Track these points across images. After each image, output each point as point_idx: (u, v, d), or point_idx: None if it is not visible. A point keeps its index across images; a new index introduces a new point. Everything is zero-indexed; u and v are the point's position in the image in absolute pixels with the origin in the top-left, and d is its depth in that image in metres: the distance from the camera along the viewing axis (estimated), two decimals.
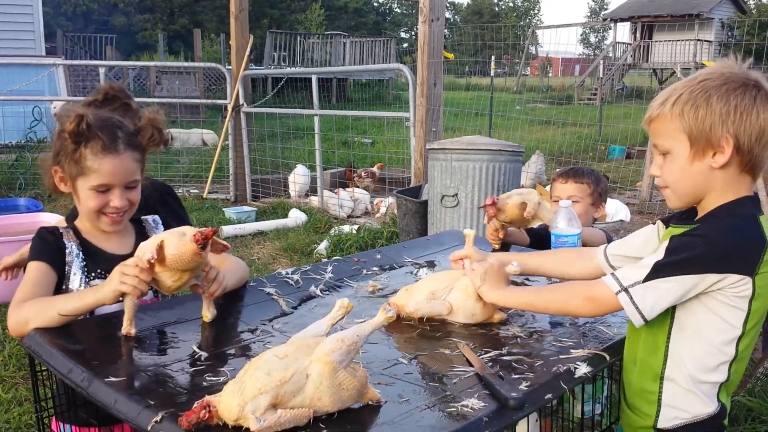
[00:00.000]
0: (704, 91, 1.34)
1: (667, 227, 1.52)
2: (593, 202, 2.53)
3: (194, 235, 1.49)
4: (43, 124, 8.28)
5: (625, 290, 1.37)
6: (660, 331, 1.42)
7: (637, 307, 1.36)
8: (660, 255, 1.36)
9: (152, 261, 1.49)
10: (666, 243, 1.37)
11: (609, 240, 2.36)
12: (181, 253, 1.50)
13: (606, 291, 1.40)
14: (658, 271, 1.34)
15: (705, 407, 1.40)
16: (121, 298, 1.54)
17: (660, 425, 1.42)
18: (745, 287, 1.32)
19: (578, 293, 1.48)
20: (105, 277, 1.62)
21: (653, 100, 1.43)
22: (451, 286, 1.68)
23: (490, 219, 2.13)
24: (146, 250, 1.51)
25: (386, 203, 6.88)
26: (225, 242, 1.64)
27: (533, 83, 22.30)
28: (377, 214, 6.99)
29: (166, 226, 1.88)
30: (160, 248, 1.50)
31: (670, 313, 1.40)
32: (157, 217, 1.93)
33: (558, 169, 2.72)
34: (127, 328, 1.54)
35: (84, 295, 1.58)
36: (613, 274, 1.41)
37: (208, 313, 1.65)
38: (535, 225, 2.18)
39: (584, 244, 2.10)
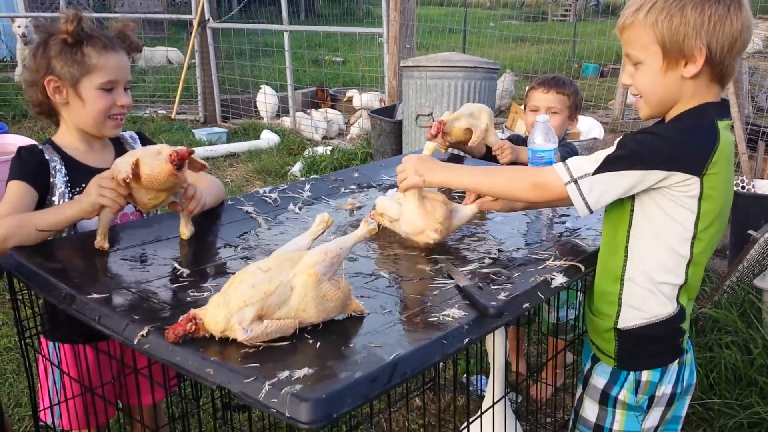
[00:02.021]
0: (678, 0, 1.32)
1: None
2: (570, 114, 2.50)
3: (170, 155, 1.47)
4: (1, 41, 7.89)
5: (575, 181, 1.38)
6: (619, 232, 1.45)
7: (584, 198, 1.38)
8: (612, 149, 1.38)
9: (127, 180, 1.47)
10: (619, 138, 1.39)
11: (570, 156, 2.37)
12: (157, 173, 1.48)
13: (555, 179, 1.41)
14: (608, 164, 1.36)
15: (663, 307, 1.44)
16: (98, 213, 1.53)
17: (620, 325, 1.47)
18: (692, 186, 1.34)
19: (526, 178, 1.47)
20: None
21: (626, 5, 1.40)
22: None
23: (431, 139, 2.08)
24: (121, 168, 1.49)
25: (359, 124, 6.81)
26: (202, 161, 1.62)
27: None
28: (348, 135, 6.93)
29: (143, 143, 1.86)
30: (136, 166, 1.47)
31: (628, 213, 1.42)
32: (134, 133, 1.90)
33: (537, 78, 2.64)
34: (101, 242, 1.54)
35: (62, 210, 1.57)
36: (564, 163, 1.42)
37: (185, 230, 1.65)
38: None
39: None
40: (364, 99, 7.60)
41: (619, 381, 1.50)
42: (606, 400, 1.51)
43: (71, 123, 1.73)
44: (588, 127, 5.25)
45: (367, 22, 14.87)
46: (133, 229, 1.68)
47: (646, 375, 1.48)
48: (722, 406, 2.41)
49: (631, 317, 1.46)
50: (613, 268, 1.47)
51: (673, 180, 1.34)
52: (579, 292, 2.38)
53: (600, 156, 1.38)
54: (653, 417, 1.52)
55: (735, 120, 4.08)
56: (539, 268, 1.48)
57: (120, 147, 1.82)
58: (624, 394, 1.49)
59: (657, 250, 1.41)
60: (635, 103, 1.49)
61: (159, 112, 7.90)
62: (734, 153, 1.43)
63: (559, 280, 1.43)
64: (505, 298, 1.32)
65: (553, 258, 1.53)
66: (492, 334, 1.68)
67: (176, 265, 1.49)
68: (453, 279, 1.41)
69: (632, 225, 1.43)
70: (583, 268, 1.51)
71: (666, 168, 1.33)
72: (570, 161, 1.42)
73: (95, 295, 1.29)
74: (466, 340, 1.20)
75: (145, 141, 1.89)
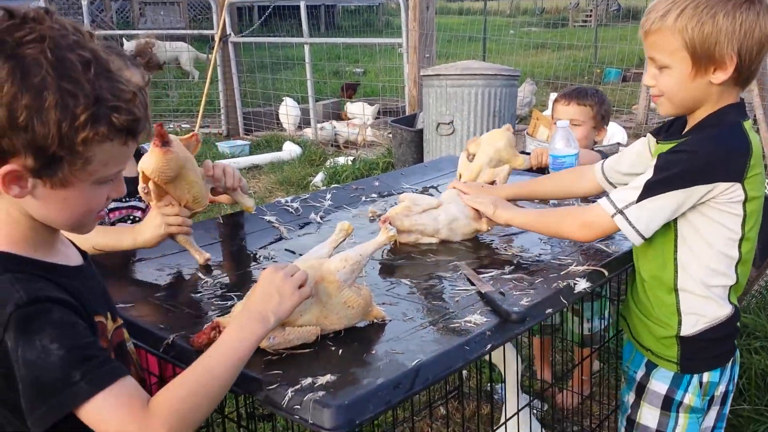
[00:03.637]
0: (709, 7, 1.31)
1: (656, 140, 1.54)
2: (596, 125, 2.47)
3: (153, 142, 1.45)
4: None
5: (621, 212, 1.40)
6: (666, 246, 1.46)
7: (633, 227, 1.39)
8: (650, 174, 1.39)
9: (146, 191, 1.49)
10: (654, 161, 1.40)
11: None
12: (156, 165, 1.45)
13: (602, 214, 1.43)
14: (650, 189, 1.38)
15: (721, 309, 1.46)
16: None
17: (683, 333, 1.47)
18: (736, 193, 1.36)
19: (574, 218, 1.52)
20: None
21: (650, 9, 1.39)
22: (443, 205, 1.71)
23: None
24: (139, 189, 1.51)
25: (369, 132, 6.87)
26: (192, 132, 1.60)
27: (527, 6, 21.75)
28: (359, 143, 6.95)
29: None
30: (144, 176, 1.48)
31: (672, 227, 1.43)
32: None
33: (561, 91, 2.64)
34: (202, 257, 1.56)
35: (122, 236, 1.54)
36: (607, 197, 1.44)
37: (247, 202, 1.69)
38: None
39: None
40: (354, 109, 7.64)
41: (682, 385, 1.50)
42: (669, 405, 1.51)
43: None
44: (611, 132, 5.19)
45: (387, 32, 14.94)
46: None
47: (707, 376, 1.49)
48: (752, 413, 2.36)
49: (693, 323, 1.47)
50: (666, 280, 1.47)
51: (718, 191, 1.35)
52: (609, 302, 2.36)
53: (639, 182, 1.39)
54: (710, 417, 1.54)
55: (761, 122, 4.02)
56: (562, 273, 1.47)
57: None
58: (689, 398, 1.50)
59: (707, 257, 1.43)
60: (655, 101, 1.48)
61: (183, 126, 8.00)
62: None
63: (582, 285, 1.42)
64: (527, 303, 1.31)
65: (576, 263, 1.52)
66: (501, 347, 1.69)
67: (200, 274, 1.51)
68: (474, 285, 1.40)
69: (678, 237, 1.44)
70: (606, 273, 1.50)
71: (708, 181, 1.34)
72: (612, 193, 1.45)
73: (121, 305, 1.31)
74: (489, 346, 1.19)
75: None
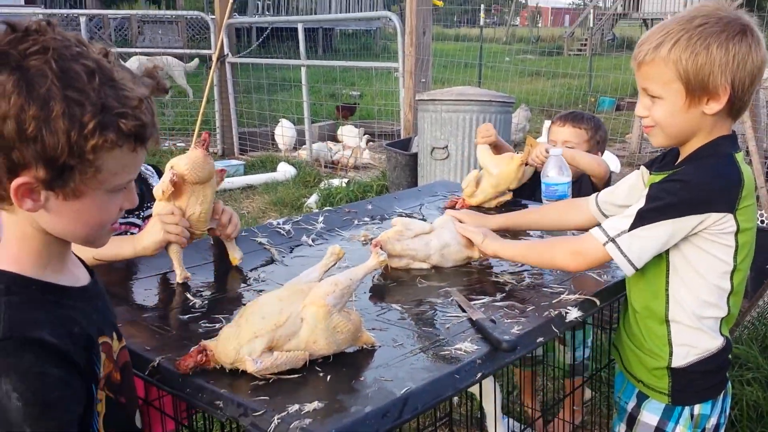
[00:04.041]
0: (703, 38, 1.32)
1: (650, 172, 1.54)
2: (590, 149, 2.45)
3: (195, 144, 1.54)
4: None
5: (612, 240, 1.40)
6: (657, 277, 1.45)
7: (625, 256, 1.39)
8: (642, 203, 1.38)
9: (174, 179, 1.51)
10: (647, 190, 1.40)
11: (611, 176, 2.37)
12: (194, 161, 1.53)
13: (594, 243, 1.43)
14: (642, 218, 1.37)
15: (713, 341, 1.45)
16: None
17: (675, 364, 1.46)
18: (728, 224, 1.36)
19: (566, 248, 1.51)
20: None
21: (642, 40, 1.40)
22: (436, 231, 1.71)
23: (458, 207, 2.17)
24: (164, 179, 1.53)
25: (366, 154, 6.89)
26: (221, 167, 1.67)
27: (523, 34, 22.01)
28: (350, 162, 6.96)
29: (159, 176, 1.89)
30: (173, 171, 1.52)
31: (664, 258, 1.43)
32: (149, 165, 1.91)
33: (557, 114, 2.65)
34: (182, 274, 1.56)
35: (123, 245, 1.55)
36: (599, 226, 1.44)
37: (236, 255, 1.69)
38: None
39: (590, 172, 2.13)
40: (345, 132, 7.72)
41: (673, 417, 1.48)
42: None
43: None
44: (604, 160, 5.23)
45: (384, 56, 15.06)
46: (148, 258, 1.69)
47: (698, 408, 1.48)
48: None
49: (684, 355, 1.46)
50: (657, 311, 1.47)
51: (710, 221, 1.35)
52: (594, 329, 2.34)
53: (632, 211, 1.39)
54: None
55: (753, 153, 4.05)
56: (553, 301, 1.46)
57: (143, 181, 1.83)
58: (680, 430, 1.48)
59: (699, 289, 1.42)
60: (647, 131, 1.48)
61: (178, 144, 8.00)
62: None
63: (573, 314, 1.41)
64: (518, 332, 1.30)
65: (567, 291, 1.51)
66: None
67: (188, 295, 1.49)
68: (465, 312, 1.39)
69: (670, 269, 1.44)
70: (598, 302, 1.49)
71: (700, 212, 1.34)
72: (604, 223, 1.44)
73: None
74: (479, 374, 1.18)
75: (160, 174, 1.91)
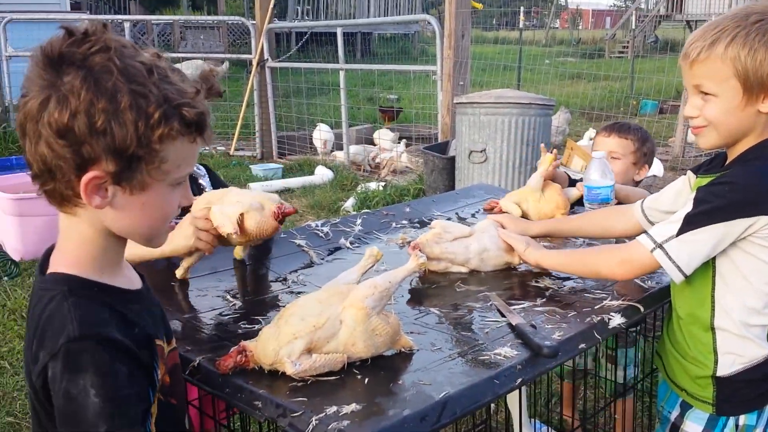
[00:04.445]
0: (761, 35, 1.29)
1: (696, 175, 1.50)
2: (636, 161, 2.36)
3: (274, 213, 1.53)
4: None
5: (660, 246, 1.36)
6: (703, 284, 1.42)
7: (674, 262, 1.35)
8: (689, 207, 1.35)
9: (234, 235, 1.51)
10: (694, 194, 1.36)
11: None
12: (263, 230, 1.54)
13: (641, 250, 1.39)
14: (690, 223, 1.34)
15: (760, 350, 1.41)
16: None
17: (720, 373, 1.42)
18: None
19: (612, 256, 1.47)
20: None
21: (693, 37, 1.37)
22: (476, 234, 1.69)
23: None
24: (223, 222, 1.51)
25: (405, 158, 6.88)
26: (294, 207, 1.68)
27: (563, 36, 21.75)
28: (382, 173, 6.94)
29: (211, 177, 1.92)
30: (241, 221, 1.52)
31: (710, 264, 1.39)
32: (200, 165, 1.93)
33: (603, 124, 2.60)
34: (183, 273, 1.58)
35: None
36: (646, 233, 1.41)
37: (242, 252, 1.69)
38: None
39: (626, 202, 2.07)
40: (381, 135, 7.67)
41: (717, 427, 1.44)
42: None
43: None
44: (645, 192, 5.13)
45: (422, 60, 15.06)
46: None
47: (743, 419, 1.43)
48: None
49: (730, 363, 1.41)
50: (703, 319, 1.43)
51: (759, 225, 1.31)
52: (637, 337, 2.29)
53: (679, 216, 1.36)
54: None
55: None
56: (596, 307, 1.43)
57: (191, 179, 1.85)
58: None
59: (746, 296, 1.38)
60: (695, 132, 1.44)
61: (218, 148, 8.13)
62: None
63: (616, 320, 1.38)
64: (559, 337, 1.28)
65: (610, 297, 1.47)
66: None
67: (229, 296, 1.51)
68: (505, 316, 1.37)
69: (716, 275, 1.40)
70: (642, 309, 1.45)
71: (749, 214, 1.30)
72: (651, 229, 1.41)
73: None
74: (519, 380, 1.16)
75: (211, 174, 1.94)
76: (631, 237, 1.59)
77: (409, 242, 1.91)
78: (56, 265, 0.99)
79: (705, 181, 1.41)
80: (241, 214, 1.52)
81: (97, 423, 0.89)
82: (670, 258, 1.35)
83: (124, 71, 0.91)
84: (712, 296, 1.41)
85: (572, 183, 2.36)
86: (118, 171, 0.92)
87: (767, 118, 1.34)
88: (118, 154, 0.91)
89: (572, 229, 1.82)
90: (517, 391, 1.79)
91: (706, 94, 1.36)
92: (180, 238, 1.54)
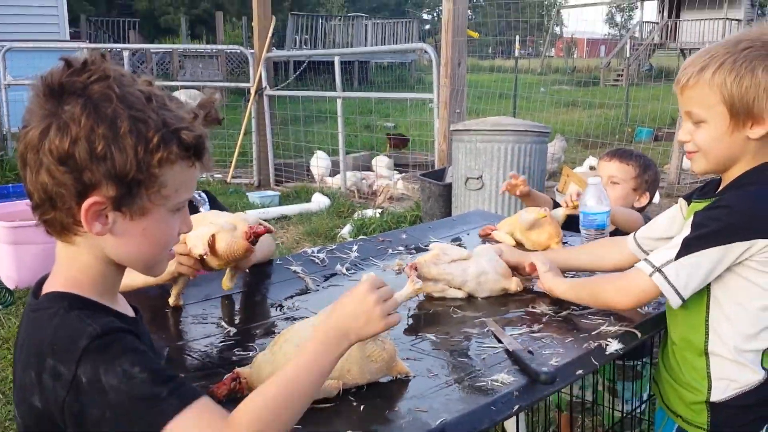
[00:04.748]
0: (748, 61, 1.30)
1: (689, 204, 1.50)
2: (636, 187, 2.35)
3: (245, 233, 1.51)
4: None
5: (659, 270, 1.36)
6: (698, 309, 1.41)
7: (672, 286, 1.35)
8: (687, 231, 1.35)
9: (205, 256, 1.51)
10: (691, 219, 1.36)
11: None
12: (233, 250, 1.52)
13: (639, 276, 1.39)
14: (689, 246, 1.34)
15: (753, 375, 1.39)
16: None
17: (713, 398, 1.41)
18: None
19: (612, 285, 1.48)
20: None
21: (685, 63, 1.38)
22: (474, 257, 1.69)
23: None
24: (196, 243, 1.52)
25: (400, 185, 6.90)
26: (269, 226, 1.66)
27: (558, 64, 22.00)
28: (378, 200, 6.95)
29: (212, 204, 1.91)
30: (212, 242, 1.51)
31: (705, 290, 1.39)
32: (202, 192, 1.93)
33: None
34: (176, 300, 1.58)
35: (136, 276, 1.57)
36: (645, 258, 1.41)
37: (229, 282, 1.67)
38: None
39: (623, 227, 2.07)
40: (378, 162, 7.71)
41: None
42: None
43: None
44: (640, 217, 5.14)
45: (419, 88, 15.19)
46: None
47: None
48: None
49: (723, 389, 1.40)
50: (696, 343, 1.42)
51: (756, 248, 1.31)
52: (647, 384, 2.25)
53: (677, 241, 1.36)
54: None
55: None
56: (593, 333, 1.42)
57: (192, 207, 1.85)
58: None
59: (740, 321, 1.37)
60: (689, 157, 1.44)
61: (215, 176, 8.14)
62: None
63: (614, 346, 1.38)
64: (557, 363, 1.27)
65: (607, 323, 1.47)
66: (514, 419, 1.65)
67: (223, 323, 1.50)
68: (502, 342, 1.36)
69: (711, 299, 1.40)
70: (639, 335, 1.45)
71: (746, 238, 1.31)
72: (650, 255, 1.41)
73: None
74: (516, 406, 1.15)
75: (214, 202, 1.94)
76: (625, 268, 1.59)
77: (406, 265, 1.90)
78: (52, 287, 0.98)
79: (700, 206, 1.41)
80: (213, 236, 1.51)
81: (155, 390, 0.88)
82: (668, 281, 1.35)
83: (123, 98, 0.93)
84: (707, 321, 1.40)
85: (556, 205, 2.36)
86: (118, 196, 0.93)
87: (757, 145, 1.35)
88: (119, 179, 0.92)
89: (566, 260, 1.79)
90: (514, 418, 1.77)
91: (697, 121, 1.37)
92: None
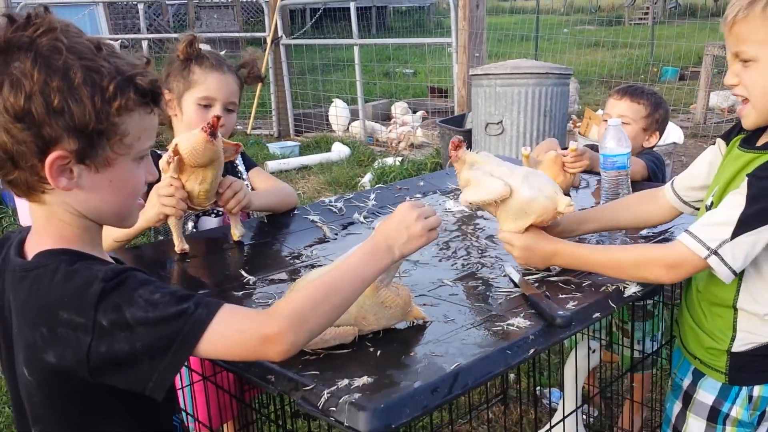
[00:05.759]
0: None
1: (727, 143, 1.44)
2: (646, 127, 2.27)
3: (202, 127, 1.53)
4: None
5: (715, 252, 1.27)
6: None
7: (729, 267, 1.27)
8: (742, 205, 1.25)
9: (170, 161, 1.54)
10: (745, 190, 1.26)
11: (656, 165, 2.23)
12: (194, 145, 1.53)
13: (690, 256, 1.29)
14: (745, 224, 1.25)
15: None
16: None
17: (735, 349, 1.39)
18: None
19: (658, 261, 1.34)
20: None
21: (733, 0, 1.28)
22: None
23: None
24: (164, 156, 1.57)
25: (420, 132, 6.83)
26: (235, 142, 1.68)
27: (581, 4, 21.33)
28: (399, 147, 6.89)
29: (245, 160, 1.96)
30: (176, 148, 1.54)
31: None
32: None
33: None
34: (180, 245, 1.61)
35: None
36: (692, 234, 1.30)
37: (236, 230, 1.70)
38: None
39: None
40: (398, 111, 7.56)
41: (730, 397, 1.41)
42: (716, 416, 1.43)
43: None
44: (667, 131, 5.04)
45: (438, 32, 14.87)
46: (205, 237, 1.73)
47: (758, 390, 1.39)
48: None
49: (747, 340, 1.38)
50: (723, 298, 1.38)
51: None
52: (662, 322, 2.25)
53: (731, 217, 1.26)
54: None
55: None
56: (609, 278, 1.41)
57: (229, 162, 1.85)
58: (737, 411, 1.41)
59: None
60: (740, 112, 1.31)
61: (236, 127, 8.14)
62: None
63: (632, 289, 1.37)
64: (573, 307, 1.27)
65: None
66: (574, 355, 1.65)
67: (243, 272, 1.52)
68: (519, 287, 1.36)
69: (751, 263, 1.32)
70: None
71: None
72: (698, 231, 1.29)
73: None
74: (532, 350, 1.15)
75: (245, 158, 1.95)
76: (668, 221, 1.55)
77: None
78: (40, 246, 0.98)
79: (753, 157, 1.30)
80: (175, 144, 1.55)
81: (182, 307, 0.91)
82: (725, 263, 1.26)
83: (72, 49, 0.91)
84: (740, 279, 1.34)
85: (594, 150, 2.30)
86: (80, 149, 0.92)
87: None
88: (79, 132, 0.91)
89: (602, 221, 1.63)
90: (574, 355, 1.75)
91: (747, 59, 1.27)
92: (149, 208, 1.57)
